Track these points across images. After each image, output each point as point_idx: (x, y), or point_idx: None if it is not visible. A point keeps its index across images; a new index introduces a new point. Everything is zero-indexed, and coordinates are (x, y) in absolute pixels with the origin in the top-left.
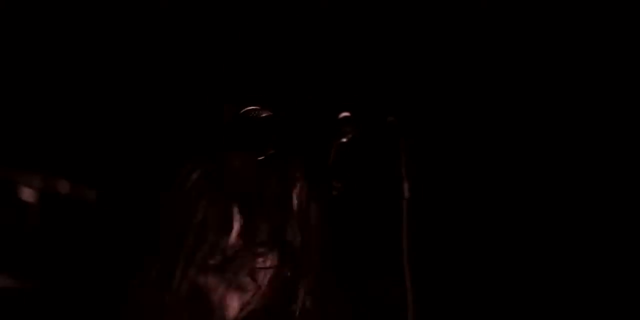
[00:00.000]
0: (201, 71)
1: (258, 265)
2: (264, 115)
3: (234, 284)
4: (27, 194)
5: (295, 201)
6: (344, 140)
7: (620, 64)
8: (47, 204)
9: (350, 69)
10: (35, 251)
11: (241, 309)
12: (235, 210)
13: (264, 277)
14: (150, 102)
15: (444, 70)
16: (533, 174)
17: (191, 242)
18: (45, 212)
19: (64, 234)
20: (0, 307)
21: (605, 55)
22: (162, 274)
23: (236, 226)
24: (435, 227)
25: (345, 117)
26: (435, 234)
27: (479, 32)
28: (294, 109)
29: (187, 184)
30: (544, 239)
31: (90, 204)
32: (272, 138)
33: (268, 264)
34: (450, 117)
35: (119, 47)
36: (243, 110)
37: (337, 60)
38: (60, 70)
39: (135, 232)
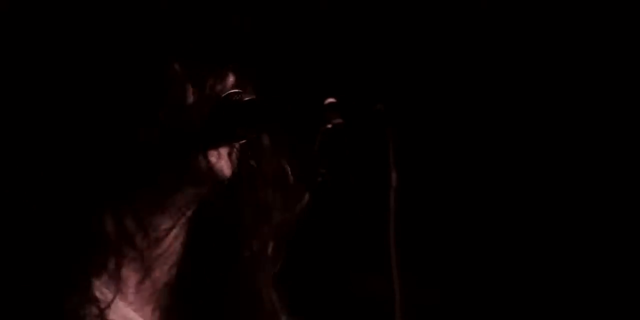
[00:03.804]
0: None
1: None
2: (246, 98)
3: None
4: None
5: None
6: (329, 126)
7: (620, 64)
8: None
9: (338, 54)
10: None
11: None
12: None
13: None
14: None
15: (433, 57)
16: (526, 163)
17: None
18: None
19: None
20: None
21: (605, 55)
22: None
23: None
24: (425, 217)
25: (331, 103)
26: (424, 225)
27: (471, 20)
28: (278, 93)
29: None
30: (537, 231)
31: None
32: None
33: None
34: (441, 104)
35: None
36: (225, 93)
37: (325, 45)
38: None
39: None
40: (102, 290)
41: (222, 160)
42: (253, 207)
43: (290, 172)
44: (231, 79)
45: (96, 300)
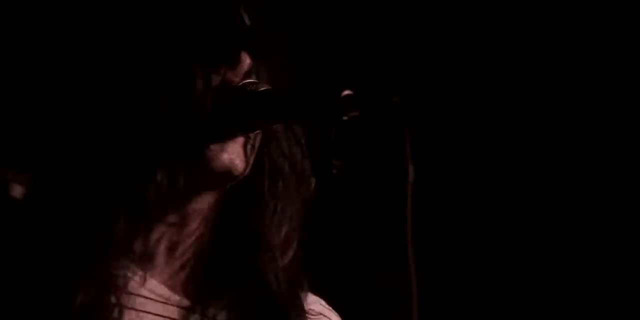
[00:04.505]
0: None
1: None
2: (262, 89)
3: None
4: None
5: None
6: (345, 118)
7: (620, 64)
8: None
9: (355, 46)
10: None
11: None
12: None
13: None
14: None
15: (450, 50)
16: (546, 157)
17: None
18: None
19: None
20: None
21: (605, 55)
22: None
23: None
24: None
25: (348, 95)
26: (441, 219)
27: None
28: (294, 84)
29: None
30: (553, 227)
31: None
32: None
33: None
34: (457, 97)
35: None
36: (240, 83)
37: (343, 37)
38: None
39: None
40: (130, 266)
41: (235, 154)
42: (265, 199)
43: (303, 164)
44: (247, 62)
45: (124, 276)
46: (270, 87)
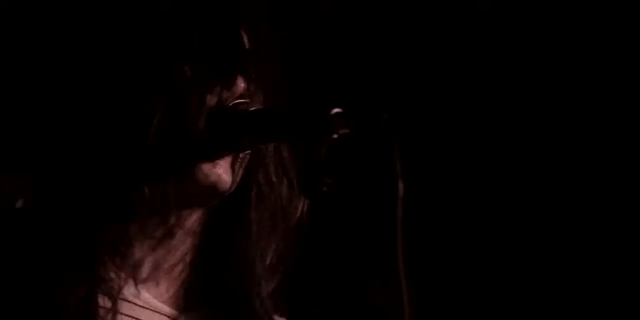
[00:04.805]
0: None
1: None
2: (253, 108)
3: None
4: None
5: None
6: (335, 136)
7: (620, 64)
8: None
9: (344, 64)
10: None
11: None
12: None
13: None
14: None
15: (439, 66)
16: (533, 174)
17: None
18: None
19: None
20: None
21: (605, 55)
22: None
23: None
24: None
25: (338, 112)
26: (431, 234)
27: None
28: (285, 104)
29: None
30: (543, 238)
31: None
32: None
33: None
34: (447, 113)
35: None
36: (231, 103)
37: (331, 55)
38: None
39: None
40: (116, 272)
41: (222, 170)
42: (255, 218)
43: (292, 184)
44: (241, 85)
45: (109, 280)
46: (261, 107)
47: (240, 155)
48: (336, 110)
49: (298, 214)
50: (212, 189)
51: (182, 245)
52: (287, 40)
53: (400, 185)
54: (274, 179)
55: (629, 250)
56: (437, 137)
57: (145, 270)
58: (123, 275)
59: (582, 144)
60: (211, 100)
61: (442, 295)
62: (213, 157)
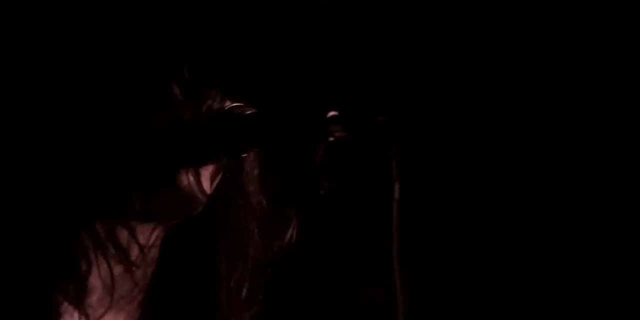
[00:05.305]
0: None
1: None
2: (248, 112)
3: None
4: None
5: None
6: (332, 139)
7: (620, 64)
8: None
9: (340, 67)
10: None
11: None
12: None
13: None
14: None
15: (436, 69)
16: (531, 176)
17: None
18: None
19: None
20: None
21: (605, 55)
22: None
23: None
24: (428, 229)
25: (334, 116)
26: (427, 237)
27: (474, 31)
28: (281, 107)
29: None
30: (540, 240)
31: None
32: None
33: None
34: (443, 116)
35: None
36: (227, 107)
37: (327, 58)
38: None
39: None
40: (63, 302)
41: (204, 179)
42: (230, 240)
43: (273, 204)
44: (228, 102)
45: (57, 305)
46: (256, 111)
47: (221, 166)
48: (332, 113)
49: (285, 241)
50: (192, 198)
51: (141, 270)
52: (284, 43)
53: (396, 187)
54: (252, 199)
55: (629, 250)
56: (433, 139)
57: (95, 297)
58: (70, 302)
59: (582, 144)
60: (206, 104)
61: (437, 296)
62: (199, 163)
